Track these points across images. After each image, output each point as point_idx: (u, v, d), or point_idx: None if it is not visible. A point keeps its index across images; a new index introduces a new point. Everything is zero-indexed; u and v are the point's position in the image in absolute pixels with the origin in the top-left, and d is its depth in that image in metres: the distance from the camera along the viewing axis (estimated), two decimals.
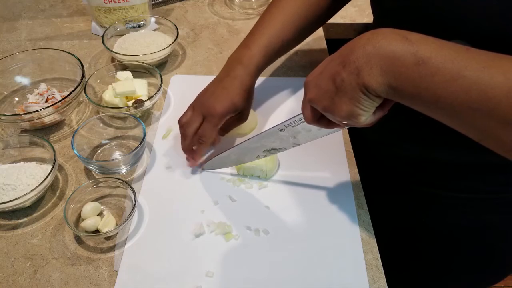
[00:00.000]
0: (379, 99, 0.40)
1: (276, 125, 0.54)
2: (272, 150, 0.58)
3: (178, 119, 0.72)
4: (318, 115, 0.46)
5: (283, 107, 0.74)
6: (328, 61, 0.42)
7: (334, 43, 0.91)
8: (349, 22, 0.98)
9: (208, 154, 0.66)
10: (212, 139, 0.60)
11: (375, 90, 0.38)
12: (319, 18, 0.68)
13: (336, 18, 0.99)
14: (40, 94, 0.74)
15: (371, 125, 0.43)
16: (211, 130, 0.59)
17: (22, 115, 0.65)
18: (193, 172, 0.65)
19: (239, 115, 0.63)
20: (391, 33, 0.37)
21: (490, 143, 0.36)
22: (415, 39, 0.36)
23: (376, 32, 0.38)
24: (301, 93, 0.76)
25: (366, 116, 0.41)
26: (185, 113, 0.62)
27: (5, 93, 0.75)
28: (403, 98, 0.38)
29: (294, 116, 0.51)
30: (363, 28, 0.90)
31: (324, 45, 0.89)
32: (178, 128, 0.70)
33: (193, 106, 0.62)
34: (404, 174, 0.68)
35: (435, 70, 0.35)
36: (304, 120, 0.49)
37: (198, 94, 0.63)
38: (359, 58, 0.38)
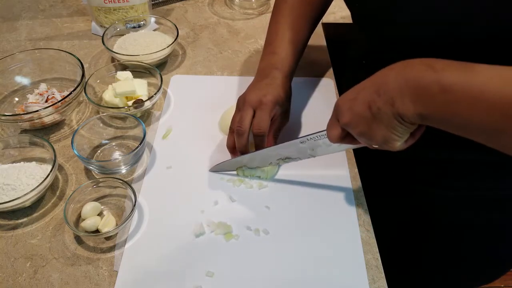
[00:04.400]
0: (413, 125, 0.42)
1: (298, 138, 0.56)
2: (287, 159, 0.60)
3: (178, 119, 0.73)
4: (344, 135, 0.48)
5: None
6: (360, 88, 0.44)
7: (334, 43, 0.91)
8: (349, 22, 0.98)
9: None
10: (268, 127, 0.59)
11: (409, 118, 0.40)
12: (321, 9, 0.71)
13: (336, 18, 0.99)
14: (40, 94, 0.74)
15: (400, 150, 0.46)
16: (266, 118, 0.59)
17: (22, 115, 0.65)
18: (193, 172, 0.65)
19: (283, 113, 0.64)
20: (418, 63, 0.39)
21: None
22: (439, 67, 0.37)
23: (406, 63, 0.40)
24: (300, 93, 0.77)
25: (401, 141, 0.44)
26: (232, 119, 0.62)
27: (5, 93, 0.75)
28: (435, 124, 0.40)
29: (318, 132, 0.54)
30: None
31: (324, 45, 0.89)
32: (180, 129, 0.71)
33: (238, 108, 0.62)
34: (404, 174, 0.68)
35: (459, 96, 0.36)
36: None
37: (239, 97, 0.63)
38: (392, 89, 0.40)
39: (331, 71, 0.82)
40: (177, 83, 0.81)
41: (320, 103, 0.75)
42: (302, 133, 0.70)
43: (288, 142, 0.57)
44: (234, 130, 0.60)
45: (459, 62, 0.37)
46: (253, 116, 0.60)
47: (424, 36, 0.47)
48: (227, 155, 0.65)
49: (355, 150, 0.68)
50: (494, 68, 0.35)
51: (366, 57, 0.68)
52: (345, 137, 0.48)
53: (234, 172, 0.65)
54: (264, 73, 0.64)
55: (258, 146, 0.61)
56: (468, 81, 0.36)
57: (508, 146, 0.37)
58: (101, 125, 0.69)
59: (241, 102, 0.61)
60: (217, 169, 0.64)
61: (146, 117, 0.74)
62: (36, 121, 0.67)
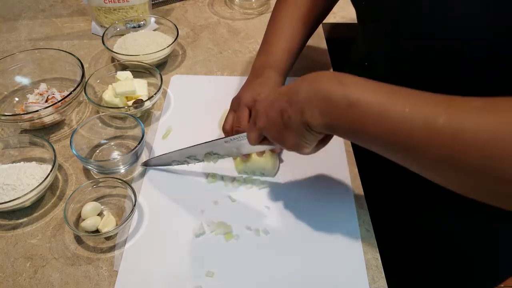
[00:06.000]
0: (320, 134, 0.44)
1: (222, 138, 0.58)
2: (215, 155, 0.61)
3: (178, 119, 0.73)
4: (261, 138, 0.51)
5: None
6: (276, 97, 0.46)
7: (334, 43, 0.91)
8: (349, 22, 0.98)
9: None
10: None
11: (316, 127, 0.42)
12: (323, 10, 0.71)
13: (336, 18, 0.99)
14: (40, 94, 0.74)
15: (311, 154, 0.49)
16: None
17: (22, 115, 0.65)
18: (193, 172, 0.65)
19: None
20: (329, 77, 0.40)
21: (432, 179, 0.38)
22: (347, 82, 0.39)
23: (318, 75, 0.42)
24: None
25: (310, 148, 0.46)
26: (226, 119, 0.62)
27: (5, 93, 0.75)
28: (342, 136, 0.42)
29: (239, 134, 0.56)
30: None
31: (324, 45, 0.89)
32: (180, 129, 0.71)
33: (233, 109, 0.62)
34: (404, 174, 0.68)
35: (364, 112, 0.37)
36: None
37: (234, 98, 0.63)
38: (303, 100, 0.42)
39: (331, 71, 0.82)
40: (177, 83, 0.81)
41: None
42: None
43: (214, 141, 0.58)
44: (233, 131, 0.60)
45: (367, 79, 0.39)
46: (250, 116, 0.60)
47: (434, 31, 0.46)
48: None
49: (355, 150, 0.68)
50: (401, 90, 0.37)
51: (367, 58, 0.68)
52: (264, 139, 0.51)
53: (235, 172, 0.64)
54: (258, 72, 0.64)
55: None
56: (374, 99, 0.37)
57: (410, 165, 0.38)
58: (100, 125, 0.69)
59: (236, 103, 0.61)
60: (148, 163, 0.65)
61: (146, 117, 0.74)
62: (36, 121, 0.67)
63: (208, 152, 0.61)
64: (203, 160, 0.62)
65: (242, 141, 0.56)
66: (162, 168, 0.65)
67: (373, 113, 0.37)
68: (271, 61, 0.64)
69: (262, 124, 0.48)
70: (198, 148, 0.60)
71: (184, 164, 0.64)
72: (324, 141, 0.47)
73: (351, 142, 0.69)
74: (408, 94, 0.36)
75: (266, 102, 0.48)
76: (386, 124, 0.36)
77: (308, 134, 0.44)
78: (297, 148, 0.46)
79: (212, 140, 0.58)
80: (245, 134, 0.55)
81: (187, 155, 0.62)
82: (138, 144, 0.62)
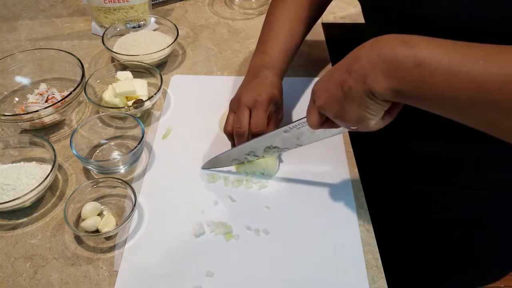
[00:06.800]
0: (386, 103, 0.41)
1: (281, 128, 0.56)
2: (274, 148, 0.59)
3: (178, 119, 0.73)
4: (323, 120, 0.48)
5: (285, 106, 0.74)
6: (334, 70, 0.44)
7: (334, 43, 0.91)
8: (349, 22, 0.98)
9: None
10: (265, 125, 0.59)
11: (381, 94, 0.39)
12: (318, 10, 0.71)
13: (336, 18, 0.99)
14: (40, 94, 0.74)
15: (378, 129, 0.45)
16: (263, 116, 0.59)
17: (22, 115, 0.65)
18: (193, 172, 0.65)
19: (277, 110, 0.64)
20: (392, 38, 0.38)
21: (500, 134, 0.37)
22: (414, 42, 0.37)
23: (378, 39, 0.39)
24: (301, 93, 0.77)
25: (375, 120, 0.43)
26: (226, 120, 0.62)
27: (5, 93, 0.75)
28: (408, 100, 0.39)
29: (299, 120, 0.53)
30: (363, 28, 0.90)
31: (324, 45, 0.89)
32: (180, 129, 0.71)
33: (232, 110, 0.62)
34: (404, 173, 0.68)
35: (433, 70, 0.35)
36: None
37: (232, 99, 0.63)
38: (364, 66, 0.39)
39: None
40: (177, 83, 0.81)
41: None
42: None
43: (273, 132, 0.57)
44: (234, 132, 0.60)
45: (434, 38, 0.37)
46: (250, 116, 0.60)
47: (444, 26, 0.46)
48: None
49: (355, 150, 0.68)
50: (470, 45, 0.35)
51: None
52: (325, 122, 0.48)
53: (234, 171, 0.65)
54: (255, 72, 0.64)
55: None
56: (444, 56, 0.35)
57: (481, 120, 0.37)
58: (100, 125, 0.69)
59: (236, 104, 0.61)
60: (209, 165, 0.65)
61: (146, 117, 0.74)
62: (36, 121, 0.67)
63: (268, 146, 0.59)
64: (263, 156, 0.61)
65: (302, 129, 0.54)
66: (162, 169, 0.65)
67: (444, 69, 0.35)
68: (268, 61, 0.64)
69: (322, 102, 0.45)
70: (257, 142, 0.59)
71: (244, 162, 0.63)
72: (390, 113, 0.44)
73: (351, 142, 0.69)
74: (479, 47, 0.35)
75: (323, 79, 0.46)
76: (458, 78, 0.34)
77: (372, 104, 0.41)
78: (360, 121, 0.43)
79: (271, 132, 0.57)
80: (304, 119, 0.52)
81: (247, 152, 0.61)
82: (138, 144, 0.62)
